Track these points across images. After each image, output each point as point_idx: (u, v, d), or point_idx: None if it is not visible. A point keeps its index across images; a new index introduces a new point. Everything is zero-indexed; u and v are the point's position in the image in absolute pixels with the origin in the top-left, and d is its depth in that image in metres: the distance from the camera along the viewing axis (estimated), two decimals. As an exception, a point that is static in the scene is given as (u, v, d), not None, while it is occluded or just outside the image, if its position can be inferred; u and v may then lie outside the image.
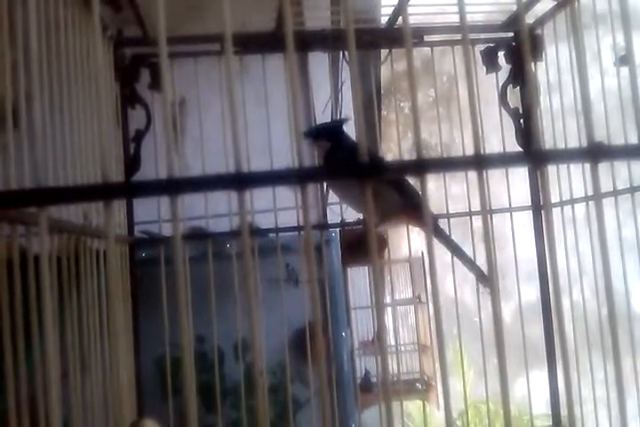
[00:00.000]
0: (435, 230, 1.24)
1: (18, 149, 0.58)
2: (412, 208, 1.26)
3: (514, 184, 1.30)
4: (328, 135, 1.33)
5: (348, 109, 2.36)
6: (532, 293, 1.32)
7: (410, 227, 1.34)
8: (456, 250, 1.28)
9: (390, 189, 1.25)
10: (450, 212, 1.31)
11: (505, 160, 0.42)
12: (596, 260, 1.03)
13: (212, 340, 1.18)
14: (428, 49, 1.31)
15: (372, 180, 0.36)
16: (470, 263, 1.27)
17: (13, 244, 0.58)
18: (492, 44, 1.32)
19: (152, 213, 1.14)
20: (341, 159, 1.22)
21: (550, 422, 1.32)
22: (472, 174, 0.39)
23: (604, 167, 0.45)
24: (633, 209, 1.09)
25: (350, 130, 1.36)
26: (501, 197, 1.30)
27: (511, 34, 1.31)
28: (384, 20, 1.32)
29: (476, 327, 1.19)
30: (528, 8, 1.15)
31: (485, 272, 1.25)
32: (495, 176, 0.64)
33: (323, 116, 2.43)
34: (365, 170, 0.36)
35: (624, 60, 0.96)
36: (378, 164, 0.36)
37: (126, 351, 1.10)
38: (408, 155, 1.73)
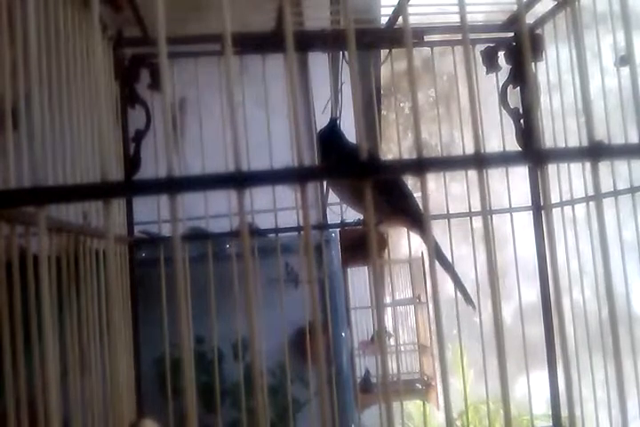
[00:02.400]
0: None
1: (17, 148, 0.58)
2: (401, 213, 1.25)
3: (514, 184, 1.29)
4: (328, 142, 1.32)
5: (348, 109, 2.36)
6: (532, 293, 1.32)
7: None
8: (449, 269, 1.29)
9: (376, 193, 1.23)
10: (450, 212, 1.31)
11: (505, 159, 0.41)
12: (597, 260, 1.03)
13: (211, 340, 1.17)
14: (428, 49, 1.31)
15: (362, 181, 0.36)
16: (459, 283, 1.28)
17: (12, 244, 0.58)
18: (492, 45, 1.32)
19: (152, 213, 1.14)
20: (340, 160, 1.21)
21: (551, 423, 1.32)
22: (472, 174, 0.39)
23: (604, 168, 0.45)
24: (633, 209, 1.09)
25: (350, 130, 1.36)
26: (502, 197, 1.30)
27: (511, 34, 1.31)
28: (384, 20, 1.32)
29: (476, 327, 1.19)
30: (528, 8, 1.14)
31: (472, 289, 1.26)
32: (495, 176, 0.64)
33: (323, 116, 2.43)
34: (365, 169, 0.36)
35: (624, 59, 0.96)
36: (377, 163, 0.36)
37: (126, 352, 1.10)
38: (408, 155, 1.73)
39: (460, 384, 2.74)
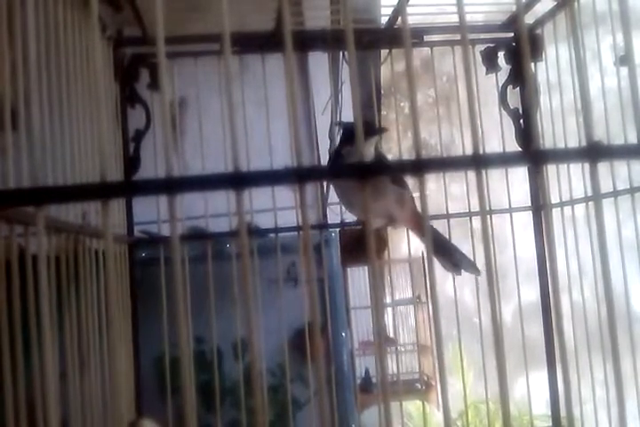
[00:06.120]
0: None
1: (16, 148, 0.58)
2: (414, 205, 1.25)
3: (514, 184, 1.29)
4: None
5: (347, 109, 2.36)
6: (531, 293, 1.32)
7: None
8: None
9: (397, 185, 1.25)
10: (449, 212, 1.31)
11: (504, 160, 0.42)
12: (596, 260, 1.02)
13: (211, 340, 1.17)
14: (428, 49, 1.31)
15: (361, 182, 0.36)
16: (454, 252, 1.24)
17: (11, 244, 0.58)
18: (491, 45, 1.32)
19: (152, 213, 1.14)
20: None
21: (550, 423, 1.32)
22: (472, 174, 0.39)
23: (603, 168, 0.45)
24: (633, 209, 1.08)
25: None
26: (501, 197, 1.29)
27: (511, 34, 1.31)
28: (384, 20, 1.32)
29: (475, 328, 1.18)
30: (528, 8, 1.14)
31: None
32: (495, 176, 0.64)
33: (323, 117, 2.43)
34: (365, 170, 0.36)
35: (624, 60, 0.96)
36: (375, 164, 0.36)
37: (125, 351, 1.10)
38: (408, 155, 1.72)
39: (459, 384, 2.74)
